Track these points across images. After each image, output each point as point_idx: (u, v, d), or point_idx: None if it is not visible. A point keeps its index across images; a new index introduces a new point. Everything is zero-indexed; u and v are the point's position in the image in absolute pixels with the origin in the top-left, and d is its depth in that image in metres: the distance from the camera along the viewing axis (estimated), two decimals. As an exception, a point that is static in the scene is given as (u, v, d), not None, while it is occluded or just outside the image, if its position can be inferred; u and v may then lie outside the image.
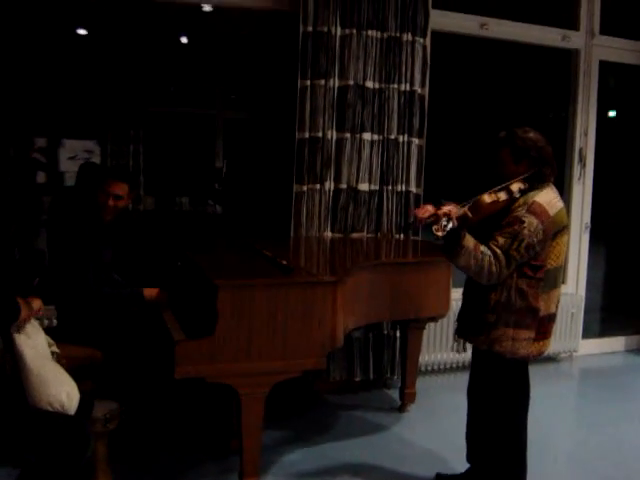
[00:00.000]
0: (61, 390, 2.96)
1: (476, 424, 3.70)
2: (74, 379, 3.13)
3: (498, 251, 3.19)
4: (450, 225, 3.08)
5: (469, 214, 3.20)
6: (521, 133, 3.36)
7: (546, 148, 3.38)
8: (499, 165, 3.39)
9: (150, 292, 3.95)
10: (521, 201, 3.28)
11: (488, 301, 3.34)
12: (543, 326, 3.38)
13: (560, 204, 3.36)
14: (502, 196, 3.27)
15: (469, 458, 3.79)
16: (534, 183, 3.34)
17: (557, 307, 3.47)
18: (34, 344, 3.07)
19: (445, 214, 3.09)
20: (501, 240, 3.21)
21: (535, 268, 3.29)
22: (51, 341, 3.28)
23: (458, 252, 3.16)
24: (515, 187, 3.30)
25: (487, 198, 3.23)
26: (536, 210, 3.24)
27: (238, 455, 3.56)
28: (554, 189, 3.42)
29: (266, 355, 3.35)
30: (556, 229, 3.30)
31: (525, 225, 3.20)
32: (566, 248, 3.46)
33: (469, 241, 3.18)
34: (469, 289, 3.55)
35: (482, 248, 3.20)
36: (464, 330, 3.58)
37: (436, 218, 3.10)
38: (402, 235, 5.21)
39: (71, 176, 7.94)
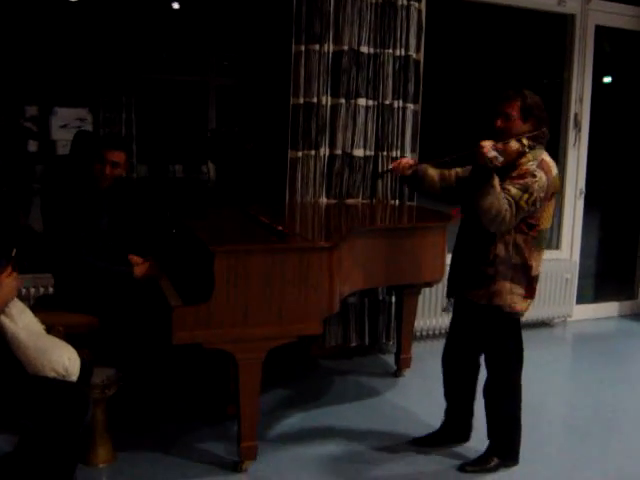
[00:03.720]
0: (62, 354, 2.96)
1: (461, 384, 3.83)
2: (72, 346, 3.13)
3: (510, 199, 3.24)
4: (501, 159, 3.21)
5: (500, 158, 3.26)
6: (529, 93, 3.41)
7: (545, 112, 3.44)
8: (504, 120, 3.39)
9: (141, 270, 3.92)
10: (530, 156, 3.34)
11: (487, 255, 3.41)
12: (531, 285, 3.50)
13: (556, 169, 3.43)
14: (516, 147, 3.34)
15: (448, 412, 3.94)
16: (536, 142, 3.39)
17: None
18: (24, 325, 3.05)
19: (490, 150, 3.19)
20: (513, 190, 3.25)
21: (530, 226, 3.38)
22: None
23: (488, 191, 3.19)
24: (525, 141, 3.34)
25: (514, 144, 3.32)
26: (545, 167, 3.33)
27: (235, 420, 3.60)
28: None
29: (262, 320, 3.36)
30: (553, 190, 3.38)
31: (536, 180, 3.27)
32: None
33: (497, 183, 3.22)
34: (463, 245, 3.61)
35: (503, 194, 3.24)
36: (459, 286, 3.62)
37: (482, 148, 3.18)
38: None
39: (63, 144, 7.89)
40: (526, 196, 3.25)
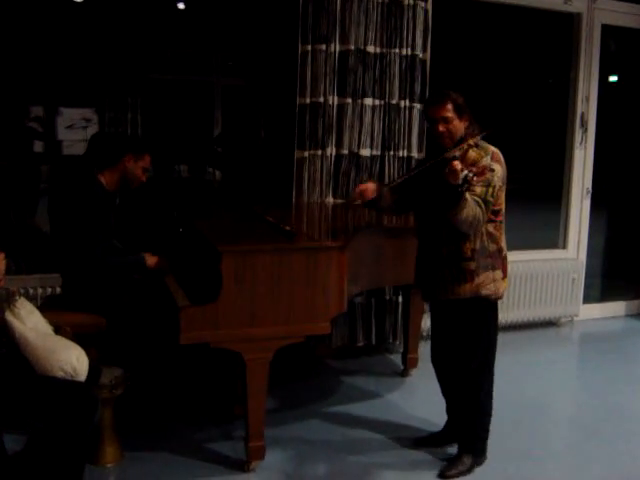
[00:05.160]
0: (70, 354, 2.97)
1: (451, 378, 3.81)
2: (80, 347, 3.13)
3: (479, 200, 3.30)
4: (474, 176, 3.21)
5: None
6: (452, 92, 3.47)
7: None
8: (444, 123, 3.43)
9: (151, 260, 3.94)
10: (482, 152, 3.43)
11: (464, 250, 3.46)
12: (505, 264, 3.59)
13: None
14: (475, 154, 3.44)
15: (448, 410, 3.94)
16: (477, 135, 3.47)
17: None
18: (33, 326, 3.07)
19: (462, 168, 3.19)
20: (478, 189, 3.31)
21: (496, 212, 3.46)
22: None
23: (463, 205, 3.22)
24: (472, 142, 3.43)
25: (473, 153, 3.42)
26: (498, 158, 3.44)
27: (242, 420, 3.61)
28: None
29: (270, 320, 3.37)
30: (505, 175, 3.47)
31: (495, 172, 3.37)
32: None
33: (466, 194, 3.25)
34: (431, 249, 3.60)
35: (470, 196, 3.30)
36: (435, 290, 3.61)
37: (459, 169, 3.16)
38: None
39: (69, 145, 7.89)
40: (490, 190, 3.34)
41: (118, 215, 4.13)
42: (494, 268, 3.50)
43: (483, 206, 3.30)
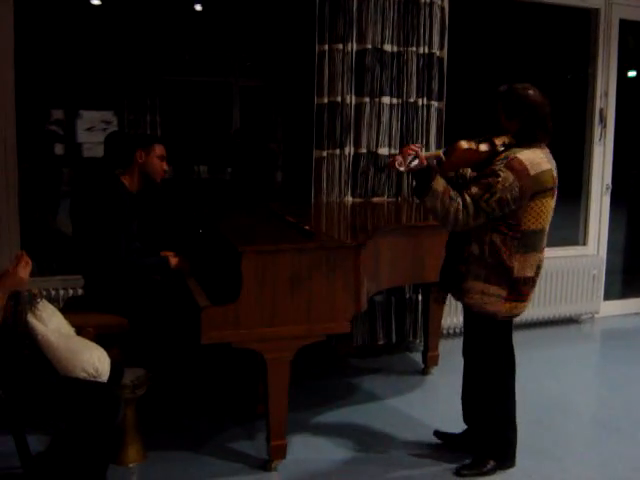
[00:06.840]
0: (92, 354, 3.00)
1: (469, 385, 3.76)
2: (102, 347, 3.16)
3: (468, 199, 3.17)
4: (415, 162, 3.12)
5: (442, 157, 3.21)
6: (520, 90, 3.29)
7: (543, 108, 3.28)
8: (494, 118, 3.35)
9: (175, 260, 3.97)
10: (502, 155, 3.23)
11: (462, 253, 3.37)
12: (517, 288, 3.33)
13: (547, 166, 3.25)
14: (483, 147, 3.23)
15: (465, 419, 3.84)
16: (523, 141, 3.26)
17: (537, 273, 3.39)
18: (55, 327, 3.10)
19: (412, 150, 3.13)
20: (474, 190, 3.20)
21: (510, 227, 3.25)
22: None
23: (426, 193, 3.15)
24: (499, 140, 3.24)
25: (464, 144, 3.20)
26: (514, 166, 3.17)
27: (264, 419, 3.62)
28: (546, 151, 3.33)
29: (290, 320, 3.38)
30: (537, 189, 3.21)
31: (500, 180, 3.15)
32: (551, 212, 3.35)
33: (439, 184, 3.15)
34: (448, 243, 3.57)
35: (452, 194, 3.17)
36: (444, 282, 3.61)
37: (401, 153, 3.15)
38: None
39: (89, 147, 7.94)
40: (487, 196, 3.15)
41: (141, 217, 4.16)
42: (489, 282, 3.30)
43: (471, 207, 3.15)
